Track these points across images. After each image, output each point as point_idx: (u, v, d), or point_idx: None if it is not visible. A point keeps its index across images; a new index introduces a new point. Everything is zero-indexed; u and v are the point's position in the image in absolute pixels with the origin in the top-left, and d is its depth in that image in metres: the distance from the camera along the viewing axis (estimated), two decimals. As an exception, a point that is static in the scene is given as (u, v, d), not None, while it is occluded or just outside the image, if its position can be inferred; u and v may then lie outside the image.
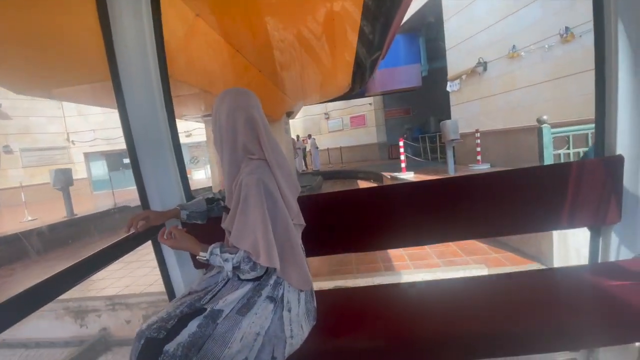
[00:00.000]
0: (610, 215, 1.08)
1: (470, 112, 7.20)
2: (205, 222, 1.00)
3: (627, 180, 1.07)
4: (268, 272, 0.78)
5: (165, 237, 0.80)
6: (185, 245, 0.79)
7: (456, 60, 7.40)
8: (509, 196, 1.09)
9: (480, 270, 2.32)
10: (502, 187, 1.10)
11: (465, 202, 1.09)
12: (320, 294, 0.99)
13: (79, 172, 14.38)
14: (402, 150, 6.38)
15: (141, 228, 0.90)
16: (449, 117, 11.61)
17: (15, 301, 0.59)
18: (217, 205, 1.00)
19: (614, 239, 1.11)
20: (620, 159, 1.07)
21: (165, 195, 1.14)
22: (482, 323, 0.84)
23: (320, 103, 10.99)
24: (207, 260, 0.76)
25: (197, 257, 0.77)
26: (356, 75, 6.36)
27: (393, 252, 2.83)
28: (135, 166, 1.12)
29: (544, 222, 1.11)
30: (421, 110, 13.00)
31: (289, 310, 0.77)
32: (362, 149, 13.49)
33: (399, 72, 10.49)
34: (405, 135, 13.42)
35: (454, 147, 5.71)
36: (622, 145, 1.07)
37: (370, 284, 1.81)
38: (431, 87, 11.09)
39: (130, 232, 0.91)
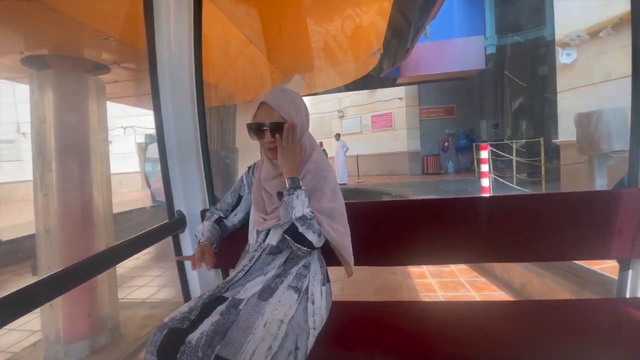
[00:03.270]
0: None
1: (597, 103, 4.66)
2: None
3: None
4: (305, 255, 0.92)
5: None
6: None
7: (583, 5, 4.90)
8: (535, 221, 1.20)
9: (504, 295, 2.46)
10: (531, 211, 1.21)
11: (495, 224, 1.21)
12: (334, 304, 1.08)
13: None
14: (483, 158, 4.20)
15: (210, 263, 0.95)
16: (512, 119, 9.18)
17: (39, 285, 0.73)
18: (223, 224, 1.11)
19: None
20: None
21: (190, 199, 1.37)
22: (504, 349, 0.92)
23: (327, 92, 8.67)
24: (292, 190, 0.85)
25: (287, 178, 0.87)
26: (389, 46, 5.17)
27: (415, 270, 2.98)
28: (165, 168, 1.34)
29: (572, 250, 1.20)
30: (468, 109, 10.65)
31: (313, 303, 0.86)
32: (387, 160, 11.77)
33: (450, 47, 8.04)
34: (446, 144, 11.23)
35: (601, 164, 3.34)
36: None
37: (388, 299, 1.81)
38: (491, 75, 8.60)
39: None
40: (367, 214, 1.26)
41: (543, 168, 5.91)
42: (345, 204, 1.18)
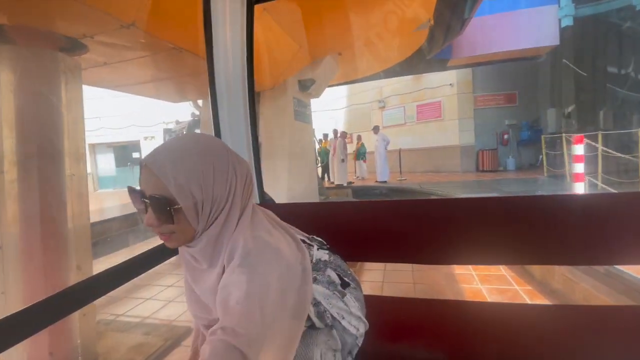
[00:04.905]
0: None
1: None
2: None
3: None
4: None
5: None
6: None
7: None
8: (586, 222, 1.17)
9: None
10: (582, 212, 1.19)
11: (542, 224, 1.20)
12: (371, 299, 1.09)
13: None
14: (577, 154, 3.46)
15: None
16: (597, 104, 7.75)
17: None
18: None
19: None
20: None
21: None
22: (550, 353, 0.92)
23: (365, 80, 7.97)
24: None
25: None
26: (441, 17, 4.41)
27: (460, 271, 3.07)
28: None
29: (622, 254, 1.17)
30: (533, 96, 9.32)
31: (343, 317, 0.81)
32: (434, 155, 10.87)
33: (516, 20, 6.88)
34: (505, 137, 10.00)
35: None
36: None
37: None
38: (567, 53, 7.26)
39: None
40: (405, 211, 1.31)
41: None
42: (383, 202, 1.22)
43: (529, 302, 2.50)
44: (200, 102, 5.35)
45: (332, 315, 0.80)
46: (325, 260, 0.86)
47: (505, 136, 9.97)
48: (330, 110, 13.50)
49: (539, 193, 5.92)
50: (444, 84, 10.35)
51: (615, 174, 5.48)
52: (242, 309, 0.55)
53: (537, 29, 7.03)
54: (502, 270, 3.11)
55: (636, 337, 0.95)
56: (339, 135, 9.40)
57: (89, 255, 2.07)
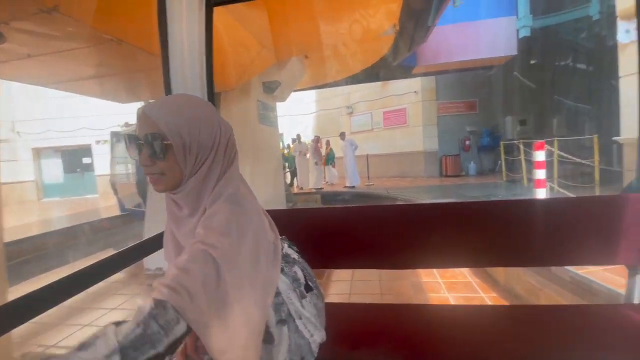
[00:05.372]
0: None
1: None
2: None
3: None
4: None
5: None
6: None
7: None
8: (541, 226, 1.26)
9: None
10: (537, 216, 1.27)
11: (502, 228, 1.27)
12: (335, 306, 1.21)
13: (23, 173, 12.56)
14: (539, 161, 3.47)
15: None
16: (551, 113, 8.27)
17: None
18: None
19: None
20: None
21: None
22: (510, 354, 0.96)
23: (333, 85, 7.93)
24: None
25: None
26: (406, 24, 4.57)
27: (424, 274, 3.18)
28: None
29: (582, 256, 1.26)
30: (492, 104, 9.85)
31: (300, 318, 0.81)
32: (401, 160, 11.15)
33: (477, 30, 7.19)
34: (467, 143, 10.44)
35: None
36: None
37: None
38: (523, 62, 7.71)
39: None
40: (375, 217, 1.35)
41: (597, 171, 5.02)
42: (350, 207, 1.29)
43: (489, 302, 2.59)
44: (154, 102, 4.95)
45: (288, 310, 0.79)
46: (294, 258, 0.87)
47: (467, 142, 10.43)
48: (300, 115, 13.38)
49: (499, 197, 6.16)
50: (409, 91, 10.66)
51: (571, 178, 5.84)
52: (223, 230, 0.61)
53: (496, 39, 7.44)
54: (468, 276, 3.15)
55: (585, 332, 1.05)
56: (311, 139, 9.38)
57: (3, 279, 1.67)
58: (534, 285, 2.55)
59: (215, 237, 0.59)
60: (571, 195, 5.32)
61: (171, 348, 0.51)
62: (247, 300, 0.61)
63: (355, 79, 8.07)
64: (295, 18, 3.76)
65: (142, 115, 0.65)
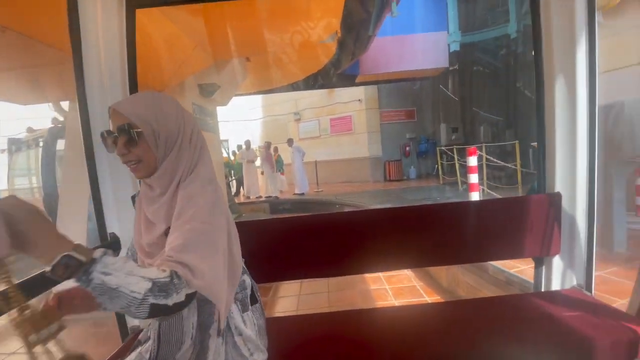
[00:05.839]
0: (553, 247, 1.41)
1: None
2: None
3: (565, 215, 1.42)
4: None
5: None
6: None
7: None
8: (461, 226, 1.41)
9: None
10: (460, 218, 1.42)
11: (431, 230, 1.41)
12: (281, 320, 1.31)
13: None
14: (472, 166, 3.60)
15: None
16: (473, 123, 9.18)
17: None
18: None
19: (556, 270, 1.45)
20: (558, 196, 1.41)
21: (126, 219, 1.35)
22: (437, 347, 1.09)
23: (276, 90, 7.80)
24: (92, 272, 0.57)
25: (50, 273, 0.56)
26: (348, 32, 4.74)
27: (375, 289, 3.17)
28: (94, 182, 1.33)
29: (497, 252, 1.46)
30: (428, 113, 10.66)
31: (240, 334, 0.83)
32: (348, 166, 11.41)
33: (413, 43, 7.67)
34: (407, 149, 11.09)
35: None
36: (560, 183, 1.42)
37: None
38: (453, 74, 8.44)
39: None
40: (321, 225, 1.40)
41: (519, 174, 5.61)
42: (299, 217, 1.42)
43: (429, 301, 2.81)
44: (66, 104, 4.19)
45: (227, 324, 0.80)
46: (243, 267, 0.89)
47: (407, 148, 11.11)
48: (246, 121, 12.90)
49: (438, 199, 6.56)
50: (354, 100, 11.03)
51: (498, 180, 6.45)
52: (208, 209, 0.73)
53: (430, 52, 8.06)
54: (413, 280, 3.24)
55: (503, 318, 1.23)
56: (260, 146, 9.01)
57: None
58: (473, 286, 2.68)
59: (205, 216, 0.71)
60: (498, 196, 5.89)
61: (177, 306, 0.62)
62: (224, 256, 0.75)
63: (302, 86, 8.01)
64: (234, 19, 3.52)
65: (113, 112, 0.74)
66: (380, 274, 3.35)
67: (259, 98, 12.50)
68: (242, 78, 5.11)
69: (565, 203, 1.40)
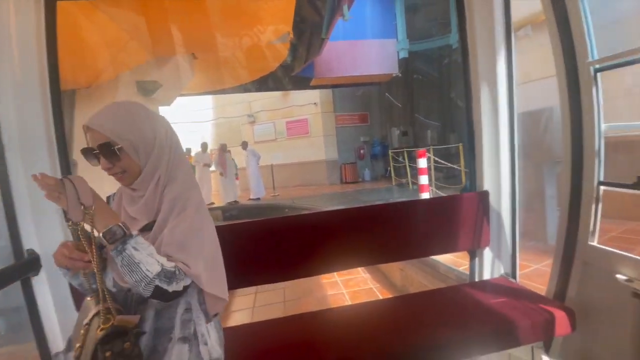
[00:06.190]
0: (483, 240, 1.58)
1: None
2: None
3: (492, 211, 1.58)
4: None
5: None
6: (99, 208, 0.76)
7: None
8: (404, 225, 1.52)
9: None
10: (401, 216, 1.53)
11: (370, 230, 1.49)
12: (231, 330, 1.27)
13: None
14: (422, 167, 3.78)
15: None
16: (422, 127, 9.79)
17: None
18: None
19: (486, 261, 1.62)
20: (486, 194, 1.58)
21: (46, 232, 1.23)
22: (379, 344, 1.17)
23: (222, 92, 7.57)
24: (122, 245, 0.73)
25: (102, 235, 0.73)
26: (301, 35, 4.92)
27: (333, 295, 3.20)
28: (6, 193, 1.20)
29: (437, 247, 1.58)
30: (381, 117, 11.15)
31: (206, 344, 0.85)
32: (305, 169, 11.45)
33: (365, 48, 7.97)
34: (361, 151, 11.43)
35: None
36: (488, 182, 1.58)
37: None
38: (401, 81, 8.94)
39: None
40: (275, 229, 1.40)
41: (463, 174, 6.08)
42: (252, 222, 1.38)
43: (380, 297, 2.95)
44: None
45: (195, 331, 0.82)
46: None
47: (362, 151, 11.48)
48: (196, 123, 12.27)
49: (390, 199, 6.86)
50: (309, 103, 11.12)
51: (445, 180, 6.92)
52: (196, 213, 0.83)
53: (381, 58, 8.43)
54: (369, 282, 3.34)
55: (447, 310, 1.36)
56: (215, 148, 8.49)
57: None
58: (426, 285, 2.84)
59: (193, 216, 0.81)
60: (442, 194, 6.32)
61: (174, 293, 0.74)
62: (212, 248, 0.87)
63: (255, 86, 7.86)
64: (177, 13, 3.33)
65: (89, 130, 0.78)
66: (338, 279, 3.39)
67: (209, 99, 11.99)
68: (188, 76, 4.82)
69: (492, 200, 1.55)
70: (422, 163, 4.38)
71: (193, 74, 4.87)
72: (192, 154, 9.31)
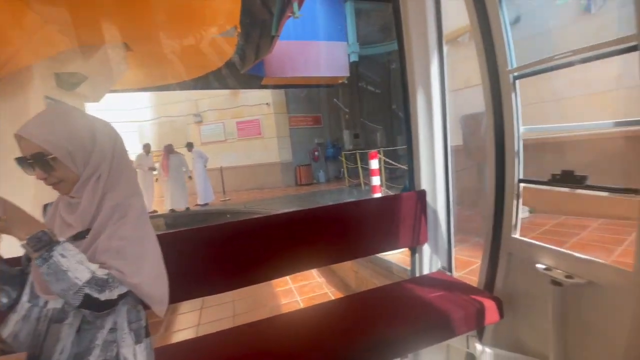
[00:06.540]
0: (421, 237, 1.68)
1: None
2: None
3: (429, 209, 1.68)
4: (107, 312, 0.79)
5: None
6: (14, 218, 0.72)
7: None
8: (351, 225, 1.57)
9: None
10: (348, 217, 1.58)
11: (317, 232, 1.52)
12: (170, 347, 1.24)
13: None
14: (374, 169, 3.88)
15: None
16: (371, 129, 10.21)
17: None
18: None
19: (425, 256, 1.73)
20: (423, 192, 1.68)
21: None
22: (325, 349, 1.18)
23: (165, 89, 7.16)
24: (47, 254, 0.69)
25: (25, 243, 0.70)
26: (250, 32, 4.67)
27: (286, 304, 3.13)
28: None
29: (381, 245, 1.65)
30: (333, 119, 11.42)
31: None
32: (258, 171, 11.21)
33: (317, 50, 8.05)
34: (316, 153, 11.56)
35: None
36: (425, 181, 1.69)
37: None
38: (352, 84, 9.23)
39: None
40: (224, 235, 1.37)
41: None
42: (188, 230, 1.32)
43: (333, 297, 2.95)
44: None
45: (117, 354, 0.78)
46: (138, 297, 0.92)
47: (316, 153, 11.60)
48: (134, 122, 11.34)
49: (345, 200, 7.03)
50: (261, 103, 10.90)
51: (395, 180, 7.26)
52: (136, 222, 0.82)
53: (332, 60, 8.59)
54: (325, 287, 3.34)
55: (390, 306, 1.42)
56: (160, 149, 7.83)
57: None
58: (378, 285, 2.94)
59: (134, 224, 0.80)
60: (391, 193, 6.63)
61: (107, 302, 0.73)
62: (154, 256, 0.85)
63: (201, 84, 7.48)
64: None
65: (21, 139, 0.76)
66: (292, 286, 3.35)
67: (150, 96, 11.18)
68: (121, 70, 4.36)
69: (429, 198, 1.66)
70: (374, 164, 4.51)
71: (127, 67, 4.43)
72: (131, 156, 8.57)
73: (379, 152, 6.29)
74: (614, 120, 1.22)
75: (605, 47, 1.10)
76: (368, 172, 6.61)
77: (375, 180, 4.44)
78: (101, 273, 0.73)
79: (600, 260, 1.16)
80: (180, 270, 1.27)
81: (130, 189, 0.85)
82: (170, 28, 4.09)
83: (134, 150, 8.78)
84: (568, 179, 1.25)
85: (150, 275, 0.82)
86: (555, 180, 1.28)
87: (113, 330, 0.79)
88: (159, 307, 0.84)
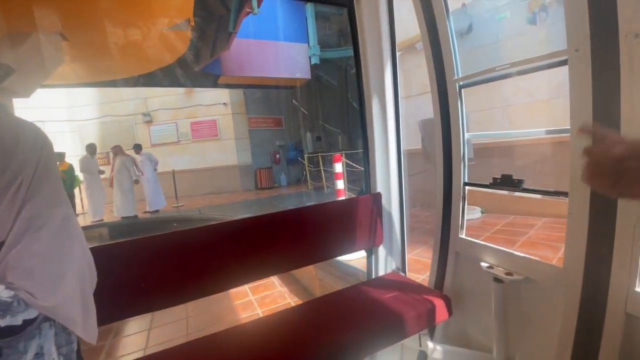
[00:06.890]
0: (377, 239, 1.73)
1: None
2: None
3: (385, 212, 1.75)
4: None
5: None
6: None
7: None
8: (308, 229, 1.59)
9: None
10: (305, 221, 1.60)
11: (275, 237, 1.51)
12: None
13: None
14: (338, 172, 3.93)
15: None
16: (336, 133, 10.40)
17: None
18: None
19: (381, 258, 1.80)
20: (379, 195, 1.75)
21: None
22: (293, 353, 1.19)
23: (109, 85, 6.72)
24: None
25: None
26: (206, 28, 4.54)
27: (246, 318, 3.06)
28: None
29: (338, 248, 1.67)
30: (295, 121, 11.48)
31: None
32: (215, 175, 10.81)
33: (277, 50, 7.98)
34: (277, 156, 11.51)
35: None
36: (380, 184, 1.76)
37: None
38: (313, 87, 9.34)
39: None
40: (176, 244, 1.31)
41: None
42: (134, 240, 1.25)
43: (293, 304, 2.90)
44: None
45: None
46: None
47: (277, 155, 11.52)
48: (73, 121, 10.37)
49: (307, 203, 7.06)
50: (218, 103, 10.58)
51: (357, 183, 7.42)
52: (55, 238, 0.76)
53: (293, 61, 8.61)
54: (287, 297, 3.26)
55: (347, 309, 1.46)
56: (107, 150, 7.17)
57: None
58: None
59: (48, 244, 0.74)
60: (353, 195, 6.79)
61: (8, 329, 0.66)
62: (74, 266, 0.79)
63: (151, 81, 7.05)
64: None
65: None
66: (252, 297, 3.24)
67: (92, 93, 10.32)
68: (55, 62, 3.95)
69: (384, 201, 1.73)
70: (338, 167, 4.54)
71: (62, 59, 4.03)
72: (67, 159, 7.81)
73: (342, 155, 6.42)
74: (545, 129, 1.37)
75: (539, 61, 1.23)
76: (330, 175, 6.69)
77: (340, 184, 4.50)
78: (6, 295, 0.67)
79: (535, 258, 1.28)
80: (122, 285, 1.20)
81: (53, 198, 0.78)
82: (113, 16, 3.82)
83: (72, 152, 8.06)
84: (507, 182, 1.38)
85: (69, 296, 0.75)
86: (496, 184, 1.40)
87: (39, 355, 0.73)
88: (83, 331, 0.78)
